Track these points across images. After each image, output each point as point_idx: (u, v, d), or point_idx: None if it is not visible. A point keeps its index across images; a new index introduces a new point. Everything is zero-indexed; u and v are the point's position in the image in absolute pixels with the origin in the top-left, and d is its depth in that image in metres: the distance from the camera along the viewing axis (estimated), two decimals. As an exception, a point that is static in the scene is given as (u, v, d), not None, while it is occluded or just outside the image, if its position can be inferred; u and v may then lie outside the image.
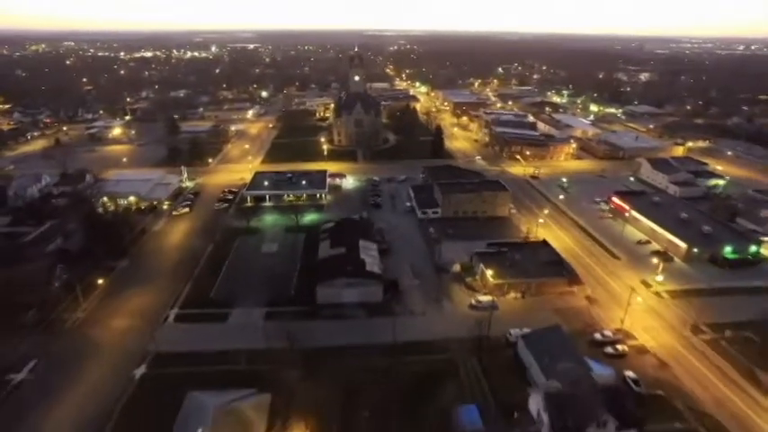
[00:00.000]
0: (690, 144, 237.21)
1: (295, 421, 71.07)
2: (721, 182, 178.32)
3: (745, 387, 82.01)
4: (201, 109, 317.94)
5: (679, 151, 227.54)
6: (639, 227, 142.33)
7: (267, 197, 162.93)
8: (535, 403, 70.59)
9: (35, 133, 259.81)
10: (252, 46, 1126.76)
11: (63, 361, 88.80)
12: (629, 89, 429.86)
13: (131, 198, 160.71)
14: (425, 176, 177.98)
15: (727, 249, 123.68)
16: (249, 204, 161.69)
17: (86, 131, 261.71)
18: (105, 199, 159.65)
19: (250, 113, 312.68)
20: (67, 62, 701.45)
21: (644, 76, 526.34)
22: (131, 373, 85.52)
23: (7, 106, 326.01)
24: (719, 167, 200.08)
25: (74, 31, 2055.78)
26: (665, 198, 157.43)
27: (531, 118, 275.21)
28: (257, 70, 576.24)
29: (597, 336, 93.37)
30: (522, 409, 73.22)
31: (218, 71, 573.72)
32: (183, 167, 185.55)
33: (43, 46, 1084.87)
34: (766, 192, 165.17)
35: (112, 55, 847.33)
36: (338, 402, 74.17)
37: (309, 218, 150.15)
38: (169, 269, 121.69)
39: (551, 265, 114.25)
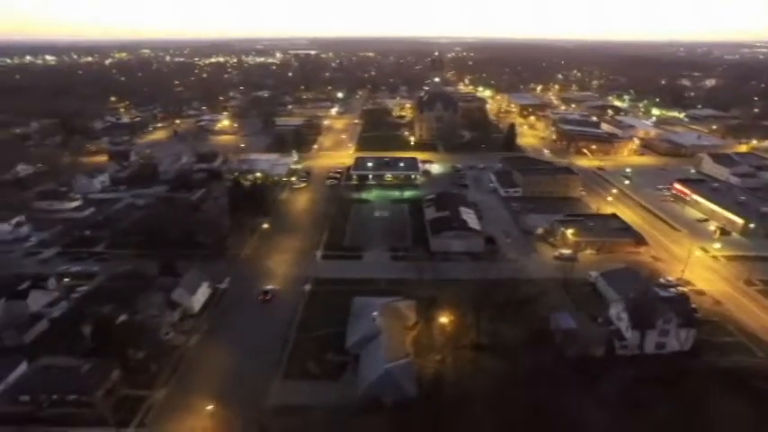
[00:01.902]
0: (755, 142, 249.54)
1: (437, 315, 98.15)
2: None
3: (758, 307, 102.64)
4: (290, 106, 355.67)
5: (743, 149, 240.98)
6: (699, 208, 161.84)
7: (370, 176, 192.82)
8: (615, 311, 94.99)
9: (158, 125, 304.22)
10: (313, 52, 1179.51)
11: (248, 278, 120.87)
12: (692, 94, 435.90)
13: (258, 174, 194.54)
14: (503, 164, 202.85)
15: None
16: (354, 182, 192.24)
17: (197, 124, 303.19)
18: (237, 174, 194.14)
19: (333, 111, 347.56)
20: (153, 67, 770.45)
21: (709, 82, 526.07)
22: (302, 287, 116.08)
23: (124, 103, 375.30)
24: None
25: (143, 39, 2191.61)
26: (724, 185, 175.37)
27: (594, 118, 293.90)
28: (327, 74, 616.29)
29: (662, 280, 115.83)
30: (604, 319, 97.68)
31: (290, 74, 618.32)
32: (293, 152, 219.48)
33: (125, 54, 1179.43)
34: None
35: (189, 60, 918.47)
36: (465, 308, 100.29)
37: (408, 193, 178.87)
38: (305, 224, 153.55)
39: (620, 230, 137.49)
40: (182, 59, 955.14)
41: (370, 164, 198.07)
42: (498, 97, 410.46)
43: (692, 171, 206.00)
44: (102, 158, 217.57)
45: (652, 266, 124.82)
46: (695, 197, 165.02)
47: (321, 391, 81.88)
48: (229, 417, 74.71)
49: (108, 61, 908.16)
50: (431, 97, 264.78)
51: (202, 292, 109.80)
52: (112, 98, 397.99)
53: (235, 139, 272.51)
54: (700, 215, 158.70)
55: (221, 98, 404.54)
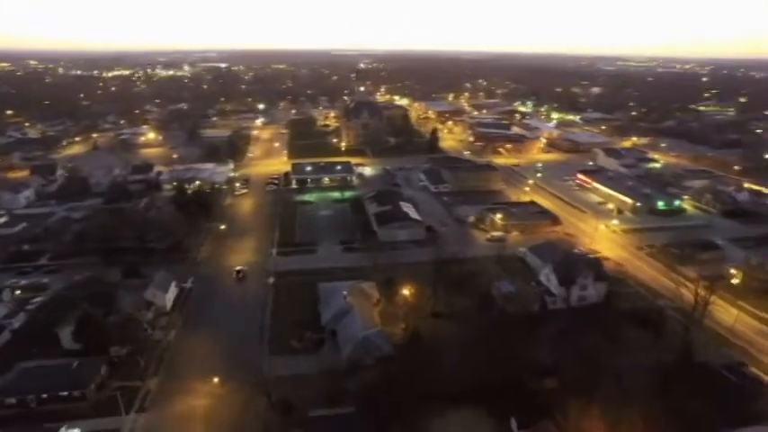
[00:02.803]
0: (635, 139, 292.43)
1: (396, 292, 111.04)
2: (657, 165, 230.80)
3: (666, 272, 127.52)
4: (215, 118, 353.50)
5: (626, 144, 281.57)
6: (598, 193, 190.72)
7: (308, 180, 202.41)
8: (544, 274, 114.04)
9: (76, 139, 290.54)
10: (224, 65, 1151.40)
11: (211, 277, 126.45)
12: (583, 100, 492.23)
13: (197, 182, 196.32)
14: (430, 164, 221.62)
15: (660, 203, 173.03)
16: (294, 186, 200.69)
17: (118, 137, 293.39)
18: (175, 183, 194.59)
19: (258, 122, 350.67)
20: (47, 80, 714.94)
21: (595, 90, 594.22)
22: (266, 280, 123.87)
23: (22, 118, 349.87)
24: (656, 156, 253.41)
25: (27, 50, 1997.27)
26: (616, 174, 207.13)
27: (505, 122, 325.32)
28: (243, 86, 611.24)
29: (575, 250, 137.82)
30: (536, 282, 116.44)
31: (205, 87, 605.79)
32: (230, 161, 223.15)
33: (7, 64, 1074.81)
34: (688, 170, 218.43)
35: (87, 73, 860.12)
36: (420, 284, 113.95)
37: (348, 194, 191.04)
38: (254, 226, 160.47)
39: (539, 213, 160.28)
40: (79, 72, 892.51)
41: (308, 168, 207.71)
42: (416, 105, 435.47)
43: (590, 164, 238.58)
44: (22, 173, 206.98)
45: (567, 241, 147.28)
46: (595, 185, 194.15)
47: (307, 363, 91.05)
48: (235, 388, 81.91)
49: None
50: (357, 106, 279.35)
51: (172, 291, 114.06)
52: (8, 112, 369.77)
53: (162, 152, 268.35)
54: (599, 199, 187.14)
55: (137, 111, 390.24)
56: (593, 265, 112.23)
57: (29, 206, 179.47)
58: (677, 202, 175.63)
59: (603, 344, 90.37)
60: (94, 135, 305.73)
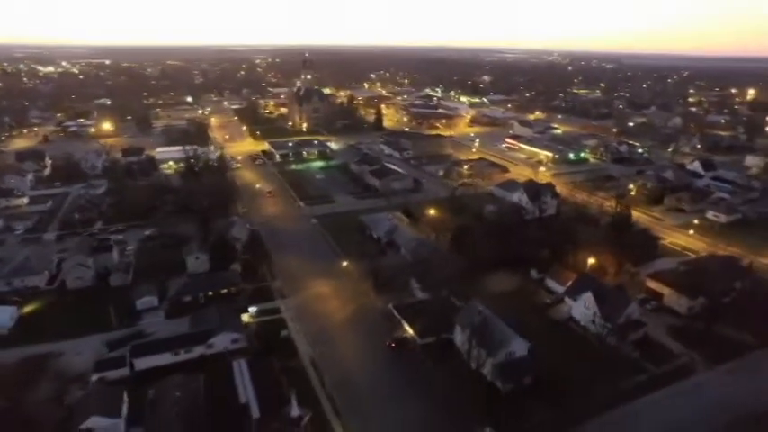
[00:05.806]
0: (538, 113, 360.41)
1: (418, 218, 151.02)
2: (559, 131, 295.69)
3: (589, 196, 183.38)
4: (158, 110, 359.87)
5: (532, 117, 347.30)
6: (525, 152, 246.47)
7: (290, 154, 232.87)
8: (517, 197, 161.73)
9: (23, 131, 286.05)
10: (108, 61, 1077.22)
11: (261, 222, 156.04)
12: (482, 86, 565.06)
13: (191, 161, 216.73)
14: (386, 138, 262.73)
15: (571, 155, 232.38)
16: (279, 160, 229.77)
17: (66, 129, 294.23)
18: (171, 163, 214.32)
19: (201, 112, 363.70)
20: None
21: (486, 77, 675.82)
22: (310, 221, 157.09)
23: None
24: (555, 125, 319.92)
25: None
26: (534, 138, 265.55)
27: (432, 103, 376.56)
28: (153, 82, 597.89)
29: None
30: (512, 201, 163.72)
31: (109, 82, 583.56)
32: (210, 142, 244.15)
33: None
34: (581, 135, 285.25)
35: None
36: (434, 211, 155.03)
37: (331, 162, 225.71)
38: (269, 188, 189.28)
39: (491, 165, 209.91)
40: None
41: (289, 144, 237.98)
42: (342, 93, 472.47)
43: (510, 132, 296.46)
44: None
45: (517, 181, 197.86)
46: (521, 145, 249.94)
47: (382, 262, 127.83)
48: (346, 277, 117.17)
49: None
50: (307, 92, 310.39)
51: (247, 230, 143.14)
52: None
53: (121, 141, 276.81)
54: (526, 156, 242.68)
55: (66, 106, 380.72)
56: (549, 187, 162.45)
57: (33, 189, 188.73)
58: (582, 154, 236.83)
59: (568, 231, 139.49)
60: (35, 129, 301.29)
